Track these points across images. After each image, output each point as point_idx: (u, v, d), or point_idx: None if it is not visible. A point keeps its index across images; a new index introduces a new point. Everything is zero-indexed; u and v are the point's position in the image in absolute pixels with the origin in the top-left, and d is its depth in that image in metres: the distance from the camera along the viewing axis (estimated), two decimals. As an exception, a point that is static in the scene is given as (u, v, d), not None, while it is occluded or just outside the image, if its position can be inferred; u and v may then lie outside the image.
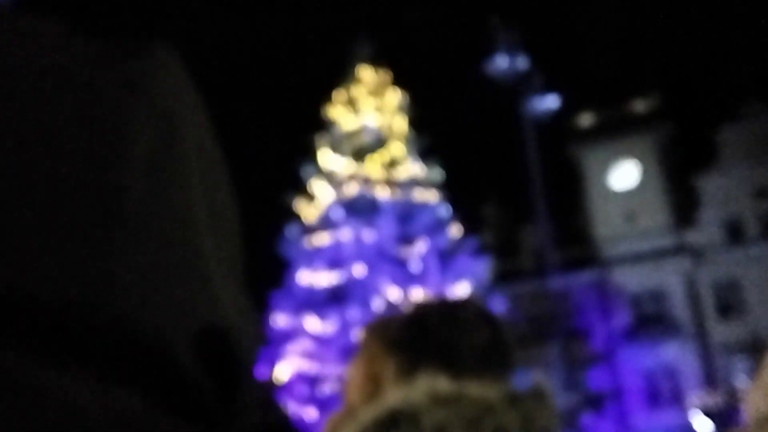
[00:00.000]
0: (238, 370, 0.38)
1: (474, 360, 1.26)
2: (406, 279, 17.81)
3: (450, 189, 20.27)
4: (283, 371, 17.67)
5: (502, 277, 28.62)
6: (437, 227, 18.86)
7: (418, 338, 1.29)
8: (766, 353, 1.59)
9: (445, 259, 18.50)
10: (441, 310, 1.35)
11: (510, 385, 1.28)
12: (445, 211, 19.34)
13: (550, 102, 14.89)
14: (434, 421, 1.09)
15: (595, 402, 27.59)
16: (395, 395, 1.15)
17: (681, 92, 53.33)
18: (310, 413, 17.33)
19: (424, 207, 19.00)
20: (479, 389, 1.14)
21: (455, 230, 19.25)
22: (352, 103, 20.57)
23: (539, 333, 28.60)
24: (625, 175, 32.31)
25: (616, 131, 32.21)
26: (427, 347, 1.27)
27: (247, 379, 0.39)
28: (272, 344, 17.85)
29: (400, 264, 17.96)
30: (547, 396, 1.20)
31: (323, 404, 17.24)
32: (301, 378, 17.61)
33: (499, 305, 20.12)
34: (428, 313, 1.34)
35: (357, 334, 2.59)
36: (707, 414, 23.36)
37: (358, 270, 17.69)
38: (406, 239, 18.40)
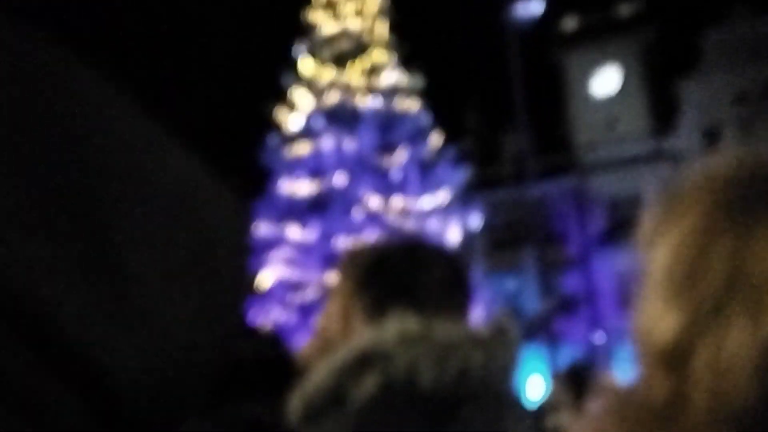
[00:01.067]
0: (69, 352, 0.32)
1: (435, 295, 1.32)
2: (386, 188, 17.92)
3: (430, 96, 20.12)
4: (266, 278, 17.96)
5: (482, 184, 28.79)
6: (418, 136, 18.83)
7: (382, 277, 1.35)
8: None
9: (426, 168, 18.58)
10: (401, 250, 1.42)
11: (471, 320, 1.37)
12: (426, 119, 19.27)
13: (534, 7, 14.64)
14: (405, 360, 1.14)
15: (569, 305, 28.38)
16: (367, 335, 1.21)
17: (666, -6, 52.39)
18: (291, 318, 17.76)
19: (405, 115, 18.90)
20: (445, 328, 1.20)
21: (436, 139, 19.25)
22: (331, 6, 20.11)
23: (516, 239, 29.08)
24: (606, 80, 32.16)
25: (600, 35, 31.85)
26: (390, 285, 1.33)
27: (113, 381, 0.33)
28: (255, 252, 18.09)
29: (381, 173, 18.02)
30: (510, 334, 1.26)
31: (305, 310, 17.63)
32: (284, 285, 17.93)
33: (476, 212, 20.40)
34: (390, 254, 1.41)
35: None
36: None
37: (339, 179, 17.75)
38: (387, 148, 18.39)
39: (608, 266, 30.14)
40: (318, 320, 1.46)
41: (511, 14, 14.57)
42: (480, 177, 27.79)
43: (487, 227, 23.54)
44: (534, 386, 27.26)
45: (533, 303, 28.55)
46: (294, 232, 18.03)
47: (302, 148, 18.59)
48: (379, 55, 19.50)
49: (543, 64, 32.05)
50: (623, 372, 26.00)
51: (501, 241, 29.66)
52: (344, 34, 19.63)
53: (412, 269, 1.35)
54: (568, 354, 22.94)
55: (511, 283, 29.92)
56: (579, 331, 27.80)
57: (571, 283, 29.37)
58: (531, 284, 29.34)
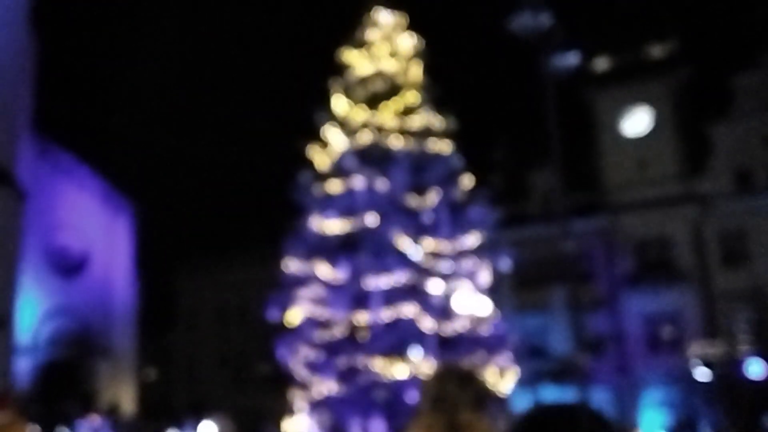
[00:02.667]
0: None
1: None
2: (417, 229, 17.96)
3: (461, 134, 20.16)
4: (295, 316, 18.03)
5: (510, 221, 28.71)
6: (449, 178, 18.89)
7: None
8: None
9: (456, 209, 18.61)
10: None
11: None
12: (457, 161, 19.33)
13: (570, 59, 14.76)
14: None
15: (597, 346, 28.12)
16: None
17: (698, 38, 52.37)
18: (319, 357, 17.77)
19: (437, 157, 19.00)
20: None
21: (467, 181, 19.29)
22: (366, 47, 20.35)
23: (545, 277, 28.95)
24: (637, 121, 32.13)
25: (631, 76, 31.90)
26: None
27: None
28: (285, 289, 18.16)
29: (412, 214, 18.06)
30: None
31: (332, 348, 17.66)
32: (312, 323, 17.97)
33: (506, 254, 20.34)
34: None
35: (423, 377, 2.78)
36: (707, 364, 23.83)
37: (370, 219, 17.83)
38: (419, 189, 18.46)
39: (636, 307, 29.90)
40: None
41: (547, 64, 14.69)
42: (508, 214, 27.71)
43: (515, 265, 23.42)
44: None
45: (561, 342, 28.34)
46: (323, 270, 18.10)
47: (334, 187, 18.72)
48: (411, 96, 19.67)
49: (573, 103, 32.11)
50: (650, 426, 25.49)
51: (529, 279, 29.56)
52: (378, 75, 19.84)
53: None
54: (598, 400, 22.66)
55: (538, 322, 29.74)
56: (607, 373, 27.52)
57: (599, 323, 29.12)
58: (559, 323, 29.15)
